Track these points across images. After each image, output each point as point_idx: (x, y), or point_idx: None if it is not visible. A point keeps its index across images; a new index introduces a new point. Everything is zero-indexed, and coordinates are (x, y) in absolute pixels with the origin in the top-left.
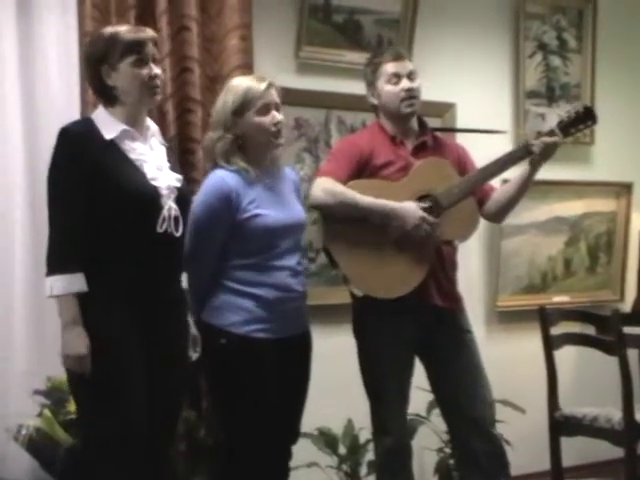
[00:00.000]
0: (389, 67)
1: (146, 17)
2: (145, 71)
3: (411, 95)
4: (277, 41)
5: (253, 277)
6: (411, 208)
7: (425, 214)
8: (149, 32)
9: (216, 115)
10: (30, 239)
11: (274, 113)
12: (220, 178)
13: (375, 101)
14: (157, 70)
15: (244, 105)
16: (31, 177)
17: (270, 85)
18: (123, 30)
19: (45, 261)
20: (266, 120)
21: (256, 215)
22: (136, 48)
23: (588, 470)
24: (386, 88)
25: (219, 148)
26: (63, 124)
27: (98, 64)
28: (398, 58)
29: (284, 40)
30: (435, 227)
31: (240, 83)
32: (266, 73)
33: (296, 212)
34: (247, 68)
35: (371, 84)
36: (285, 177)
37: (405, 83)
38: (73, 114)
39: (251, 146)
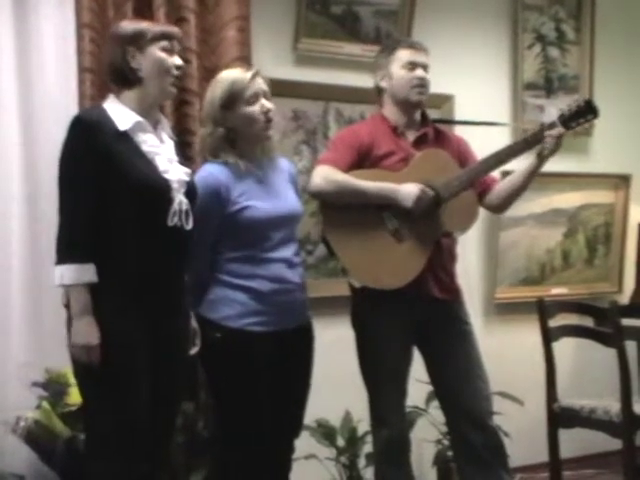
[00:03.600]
0: (406, 54)
1: (144, 9)
2: (172, 59)
3: (423, 84)
4: (275, 33)
5: (246, 270)
6: (410, 185)
7: (424, 187)
8: (178, 30)
9: (205, 111)
10: (27, 231)
11: (263, 101)
12: (209, 173)
13: (384, 84)
14: (182, 63)
15: (232, 97)
16: (28, 170)
17: (256, 74)
18: (153, 24)
19: (55, 249)
20: (255, 110)
21: (246, 207)
22: (167, 37)
23: (586, 462)
24: (400, 72)
25: (209, 143)
26: (61, 115)
27: (124, 45)
28: (417, 47)
29: (282, 32)
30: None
31: (226, 76)
32: (264, 65)
33: (289, 203)
34: (245, 60)
35: (383, 67)
36: (279, 168)
37: (419, 72)
38: (70, 107)
39: (242, 138)
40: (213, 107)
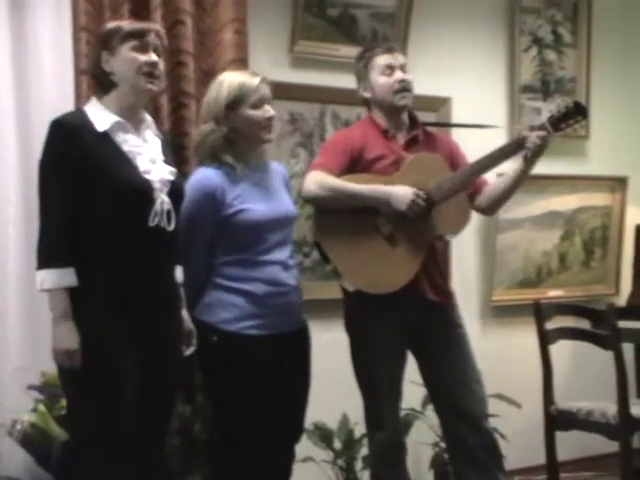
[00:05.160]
0: (382, 59)
1: (140, 11)
2: (144, 57)
3: (404, 87)
4: (272, 35)
5: (242, 273)
6: (403, 188)
7: (417, 190)
8: (153, 25)
9: (207, 108)
10: (23, 235)
11: (267, 107)
12: (204, 176)
13: (367, 94)
14: (156, 59)
15: (239, 99)
16: (24, 173)
17: (263, 80)
18: (127, 22)
19: (36, 254)
20: (259, 114)
21: (241, 210)
22: (137, 35)
23: (583, 464)
24: (380, 80)
25: (209, 142)
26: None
27: (99, 50)
28: (390, 51)
29: (279, 34)
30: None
31: (233, 77)
32: (261, 67)
33: (284, 206)
34: (242, 62)
35: (363, 77)
36: (273, 171)
37: (398, 75)
38: (67, 109)
39: (241, 141)
40: (218, 106)
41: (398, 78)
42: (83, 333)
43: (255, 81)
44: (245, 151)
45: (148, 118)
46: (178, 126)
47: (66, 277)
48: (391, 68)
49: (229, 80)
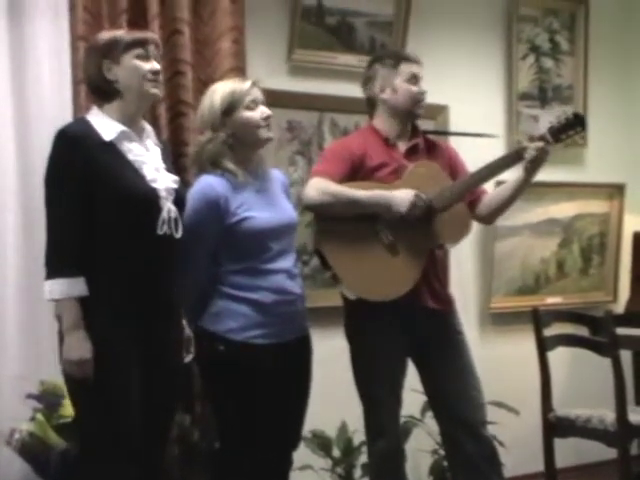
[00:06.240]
0: (410, 67)
1: (138, 21)
2: (148, 65)
3: (424, 98)
4: (270, 44)
5: (249, 281)
6: (404, 191)
7: (418, 192)
8: (152, 34)
9: (203, 118)
10: (23, 242)
11: (262, 108)
12: (208, 184)
13: (385, 96)
14: (159, 67)
15: (233, 104)
16: (23, 181)
17: (254, 83)
18: (125, 31)
19: (44, 264)
20: (256, 115)
21: (246, 218)
22: (140, 43)
23: (582, 471)
24: (405, 86)
25: (208, 150)
26: (56, 127)
27: (100, 58)
28: (418, 62)
29: (277, 43)
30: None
31: (225, 85)
32: (259, 76)
33: (287, 213)
34: (239, 71)
35: (385, 79)
36: (273, 179)
37: (422, 86)
38: (65, 118)
39: (240, 146)
40: (213, 113)
41: (422, 90)
42: (92, 342)
43: (246, 85)
44: (244, 157)
45: (148, 127)
46: (176, 135)
47: (76, 287)
48: (416, 78)
49: (221, 89)
